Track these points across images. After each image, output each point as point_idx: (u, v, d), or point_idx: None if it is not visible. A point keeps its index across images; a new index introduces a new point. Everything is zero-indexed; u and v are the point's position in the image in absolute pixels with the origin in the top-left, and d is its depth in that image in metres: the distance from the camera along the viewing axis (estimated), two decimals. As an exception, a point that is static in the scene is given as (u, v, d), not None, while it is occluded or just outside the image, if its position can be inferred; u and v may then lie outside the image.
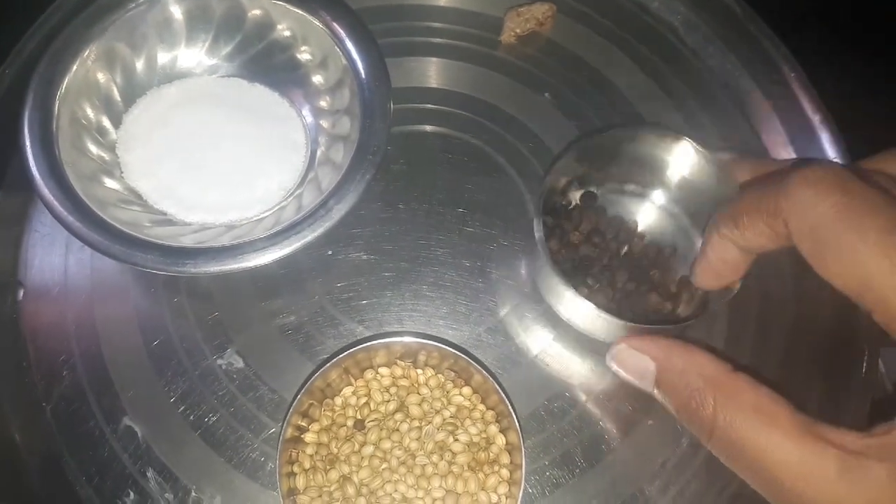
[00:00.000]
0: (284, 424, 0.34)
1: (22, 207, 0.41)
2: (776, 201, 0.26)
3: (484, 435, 0.36)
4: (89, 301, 0.39)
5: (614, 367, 0.31)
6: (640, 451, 0.37)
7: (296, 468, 0.35)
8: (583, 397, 0.38)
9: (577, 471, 0.37)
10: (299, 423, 0.36)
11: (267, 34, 0.42)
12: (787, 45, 0.45)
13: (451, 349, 0.35)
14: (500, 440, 0.36)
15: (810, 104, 0.44)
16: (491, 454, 0.35)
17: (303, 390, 0.35)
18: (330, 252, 0.41)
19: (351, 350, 0.35)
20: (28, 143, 0.36)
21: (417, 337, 0.36)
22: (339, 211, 0.36)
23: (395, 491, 0.35)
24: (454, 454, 0.35)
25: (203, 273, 0.35)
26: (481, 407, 0.37)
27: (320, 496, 0.34)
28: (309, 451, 0.36)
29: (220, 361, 0.38)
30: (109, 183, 0.39)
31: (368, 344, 0.35)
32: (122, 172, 0.40)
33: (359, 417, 0.36)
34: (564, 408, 0.38)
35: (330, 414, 0.36)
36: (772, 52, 0.46)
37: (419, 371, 0.37)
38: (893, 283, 0.23)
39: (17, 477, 0.36)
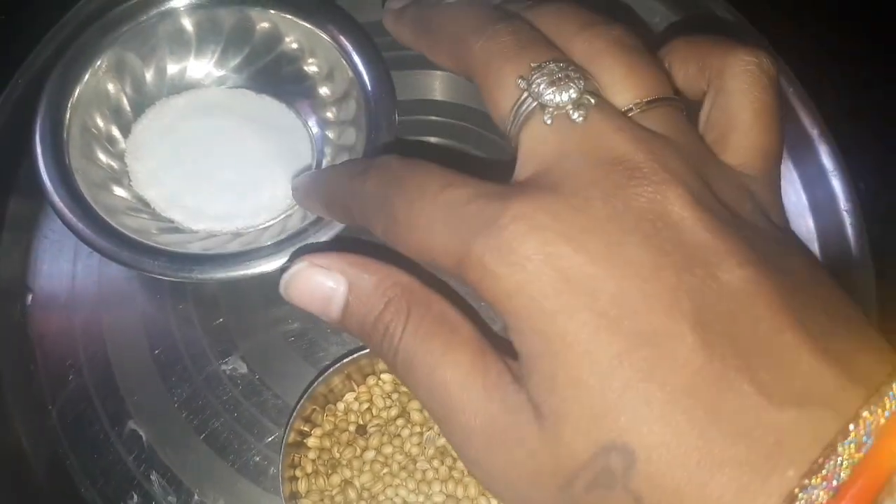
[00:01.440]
0: (287, 429, 0.35)
1: (32, 214, 0.41)
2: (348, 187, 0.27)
3: None
4: (96, 307, 0.40)
5: (290, 294, 0.26)
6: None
7: (298, 472, 0.36)
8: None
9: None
10: (302, 427, 0.36)
11: (275, 46, 0.43)
12: (784, 58, 0.46)
13: None
14: None
15: (808, 119, 0.45)
16: None
17: (305, 396, 0.35)
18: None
19: (354, 356, 0.36)
20: (39, 150, 0.37)
21: None
22: (343, 219, 0.37)
23: (396, 495, 0.35)
24: (455, 459, 0.36)
25: (210, 279, 0.35)
26: None
27: (322, 500, 0.35)
28: (311, 455, 0.36)
29: (224, 367, 0.39)
30: (118, 191, 0.39)
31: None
32: (130, 181, 0.40)
33: (361, 423, 0.37)
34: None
35: (332, 419, 0.37)
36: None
37: None
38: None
39: (23, 478, 0.36)
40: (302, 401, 0.35)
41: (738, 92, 0.23)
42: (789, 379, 0.18)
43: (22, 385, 0.38)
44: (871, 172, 0.46)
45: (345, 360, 0.35)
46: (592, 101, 0.22)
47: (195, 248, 0.37)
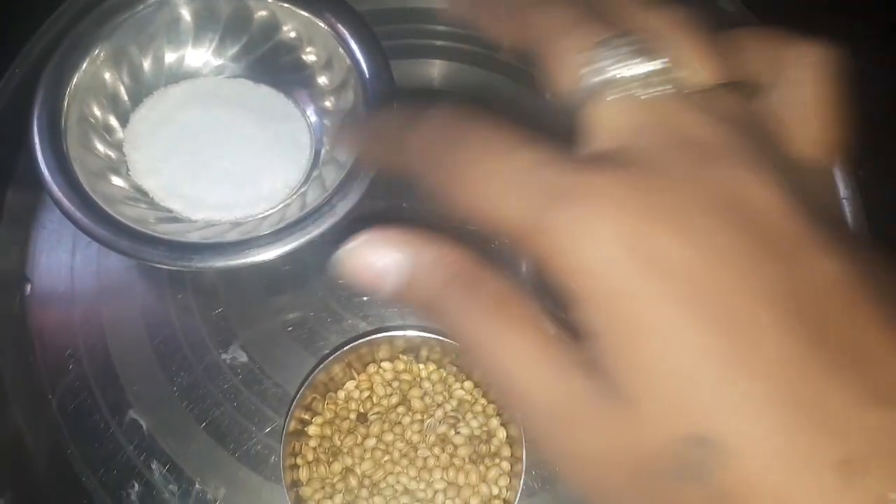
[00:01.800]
0: (288, 418, 0.35)
1: (30, 204, 0.41)
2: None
3: (485, 428, 0.36)
4: (95, 296, 0.40)
5: (347, 267, 0.24)
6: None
7: (299, 460, 0.36)
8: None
9: (577, 465, 0.37)
10: (302, 416, 0.36)
11: (273, 35, 0.42)
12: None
13: (453, 342, 0.36)
14: (502, 433, 0.36)
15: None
16: (492, 447, 0.36)
17: (306, 384, 0.35)
18: (334, 250, 0.41)
19: (354, 344, 0.36)
20: (37, 139, 0.36)
21: (420, 331, 0.36)
22: (342, 208, 0.37)
23: (398, 483, 0.35)
24: (455, 447, 0.36)
25: (208, 267, 0.35)
26: (483, 401, 0.37)
27: (323, 488, 0.35)
28: (312, 443, 0.36)
29: (224, 356, 0.39)
30: (116, 180, 0.39)
31: (371, 338, 0.36)
32: (128, 170, 0.40)
33: (361, 411, 0.37)
34: (564, 403, 0.38)
35: (333, 407, 0.37)
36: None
37: (421, 366, 0.38)
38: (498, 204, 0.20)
39: (24, 468, 0.36)
40: (302, 389, 0.35)
41: (804, 83, 0.22)
42: (891, 377, 0.17)
43: (22, 375, 0.38)
44: (870, 160, 0.46)
45: (345, 349, 0.35)
46: (669, 76, 0.20)
47: (194, 237, 0.37)
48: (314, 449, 0.36)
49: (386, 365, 0.38)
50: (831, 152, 0.23)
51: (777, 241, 0.18)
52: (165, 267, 0.36)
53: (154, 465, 0.37)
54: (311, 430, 0.36)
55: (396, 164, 0.24)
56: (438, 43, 0.47)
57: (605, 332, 0.19)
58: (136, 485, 0.36)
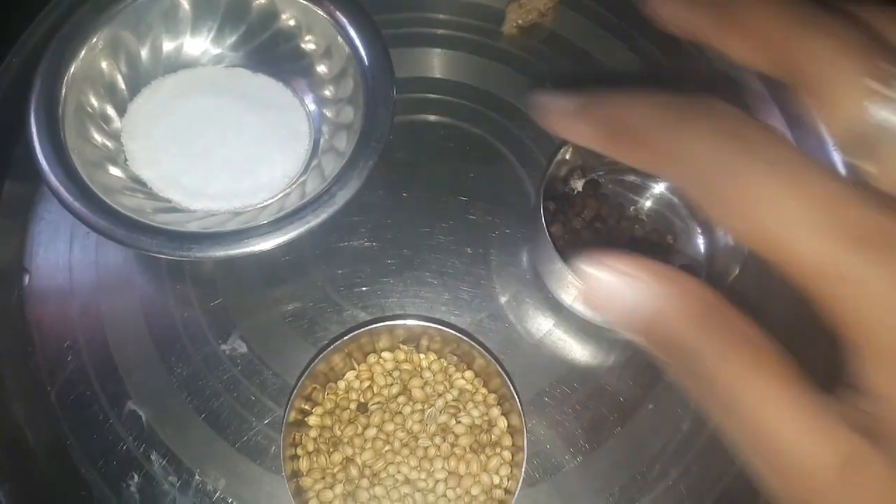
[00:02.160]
0: (288, 408, 0.34)
1: (28, 195, 0.41)
2: (663, 139, 0.20)
3: (486, 417, 0.36)
4: (94, 287, 0.40)
5: (593, 301, 0.21)
6: (640, 434, 0.38)
7: (299, 451, 0.35)
8: (584, 382, 0.39)
9: (579, 454, 0.37)
10: (303, 406, 0.36)
11: (271, 24, 0.42)
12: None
13: (453, 332, 0.36)
14: (502, 423, 0.36)
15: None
16: (493, 436, 0.36)
17: (305, 374, 0.35)
18: (333, 240, 0.41)
19: (354, 333, 0.35)
20: (35, 129, 0.36)
21: (420, 320, 0.36)
22: (342, 197, 0.37)
23: (398, 472, 0.35)
24: (456, 436, 0.35)
25: (207, 257, 0.35)
26: (483, 390, 0.37)
27: (323, 478, 0.35)
28: (312, 433, 0.36)
29: (223, 347, 0.39)
30: (114, 171, 0.39)
31: (371, 327, 0.35)
32: (126, 160, 0.40)
33: (362, 401, 0.37)
34: (566, 392, 0.38)
35: (333, 397, 0.37)
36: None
37: (421, 355, 0.38)
38: (793, 238, 0.17)
39: (24, 460, 0.36)
40: (302, 379, 0.35)
41: None
42: None
43: (20, 367, 0.38)
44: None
45: (344, 338, 0.35)
46: None
47: (193, 227, 0.37)
48: (314, 439, 0.36)
49: (386, 355, 0.37)
50: None
51: None
52: (164, 257, 0.36)
53: (154, 457, 0.36)
54: (312, 420, 0.36)
55: (657, 166, 0.20)
56: (438, 31, 0.47)
57: None
58: (136, 476, 0.36)
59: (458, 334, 0.36)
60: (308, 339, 0.39)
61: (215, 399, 0.38)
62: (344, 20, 0.40)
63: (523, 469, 0.34)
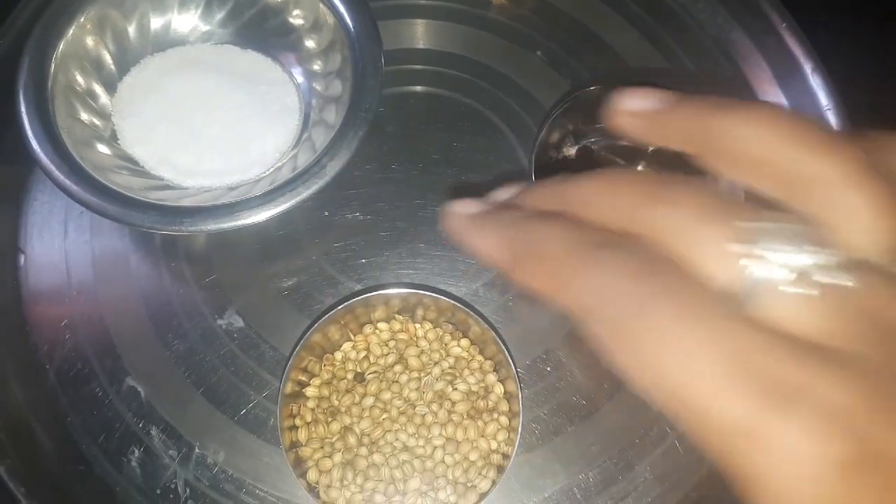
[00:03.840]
0: (284, 379, 0.35)
1: (21, 176, 0.41)
2: (567, 273, 0.19)
3: (482, 384, 0.36)
4: (89, 266, 0.40)
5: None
6: (636, 401, 0.38)
7: (297, 421, 0.36)
8: (580, 348, 0.39)
9: (576, 419, 0.37)
10: (300, 378, 0.36)
11: (258, -1, 0.42)
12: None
13: (448, 300, 0.36)
14: (499, 389, 0.36)
15: (802, 54, 0.44)
16: (490, 402, 0.36)
17: (300, 345, 0.35)
18: (326, 213, 0.41)
19: (348, 303, 0.35)
20: (24, 107, 0.36)
21: (415, 289, 0.36)
22: (332, 168, 0.37)
23: (396, 440, 0.35)
24: (453, 403, 0.36)
25: (200, 230, 0.35)
26: (479, 357, 0.37)
27: (322, 447, 0.35)
28: (310, 404, 0.36)
29: (220, 322, 0.39)
30: (104, 149, 0.39)
31: (366, 296, 0.36)
32: (117, 139, 0.40)
33: (359, 371, 0.37)
34: (562, 359, 0.38)
35: (330, 368, 0.37)
36: (761, 2, 0.45)
37: (417, 325, 0.38)
38: (694, 392, 0.16)
39: (25, 437, 0.36)
40: (297, 350, 0.35)
41: None
42: None
43: (19, 346, 0.38)
44: (866, 106, 0.46)
45: (339, 308, 0.35)
46: (846, 257, 0.17)
47: (187, 203, 0.37)
48: (312, 409, 0.36)
49: (382, 325, 0.38)
50: None
51: None
52: (157, 232, 0.36)
53: (153, 431, 0.37)
54: (309, 391, 0.36)
55: (559, 298, 0.19)
56: (425, 2, 0.47)
57: None
58: (136, 451, 0.36)
59: (453, 302, 0.36)
60: (304, 313, 0.39)
61: (213, 373, 0.38)
62: (330, -8, 0.40)
63: (519, 434, 0.34)
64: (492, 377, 0.36)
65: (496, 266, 0.21)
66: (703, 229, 0.18)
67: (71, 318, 0.38)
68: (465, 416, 0.36)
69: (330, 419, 0.36)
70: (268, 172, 0.39)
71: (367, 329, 0.38)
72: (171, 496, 0.36)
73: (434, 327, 0.38)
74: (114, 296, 0.39)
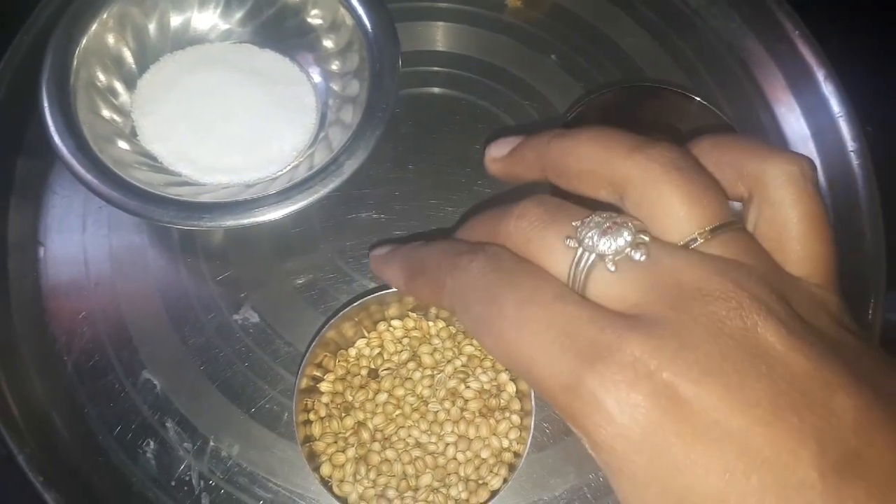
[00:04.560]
0: (299, 375, 0.35)
1: (42, 170, 0.42)
2: (443, 276, 0.25)
3: (495, 382, 0.37)
4: (107, 260, 0.40)
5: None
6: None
7: (312, 416, 0.36)
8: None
9: (587, 418, 0.38)
10: (314, 373, 0.37)
11: (277, -1, 0.43)
12: (791, 3, 0.46)
13: None
14: (511, 388, 0.36)
15: (815, 61, 0.44)
16: (502, 401, 0.36)
17: (316, 341, 0.36)
18: (342, 212, 0.42)
19: (363, 300, 0.36)
20: (46, 102, 0.37)
21: None
22: (349, 167, 0.37)
23: (409, 436, 0.35)
24: (466, 401, 0.36)
25: (218, 226, 0.36)
26: (491, 358, 0.37)
27: (336, 442, 0.35)
28: (324, 399, 0.36)
29: (235, 316, 0.39)
30: (124, 145, 0.40)
31: (380, 293, 0.36)
32: (136, 135, 0.40)
33: (372, 367, 0.37)
34: (573, 358, 0.39)
35: (344, 364, 0.37)
36: (775, 10, 0.46)
37: (430, 323, 0.38)
38: (536, 365, 0.21)
39: (43, 428, 0.37)
40: (312, 346, 0.35)
41: (786, 203, 0.23)
42: None
43: (38, 338, 0.38)
44: (879, 115, 0.46)
45: (354, 305, 0.36)
46: (646, 238, 0.21)
47: (205, 199, 0.37)
48: (326, 405, 0.36)
49: (396, 322, 0.38)
50: (829, 265, 0.23)
51: (800, 387, 0.19)
52: (176, 227, 0.36)
53: (168, 424, 0.37)
54: (324, 386, 0.37)
55: (432, 294, 0.25)
56: (442, 5, 0.47)
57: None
58: (152, 442, 0.37)
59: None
60: (318, 309, 0.40)
61: (228, 368, 0.38)
62: (349, -7, 0.41)
63: (531, 433, 0.34)
64: (504, 375, 0.37)
65: (399, 288, 0.28)
66: (542, 232, 0.23)
67: (89, 310, 0.39)
68: (477, 414, 0.36)
69: (344, 414, 0.36)
70: (285, 170, 0.40)
71: (382, 326, 0.38)
72: (186, 488, 0.36)
73: (447, 325, 0.38)
74: (131, 289, 0.40)
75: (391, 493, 0.35)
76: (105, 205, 0.36)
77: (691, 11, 0.48)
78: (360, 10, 0.40)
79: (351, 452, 0.35)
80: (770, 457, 0.18)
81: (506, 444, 0.36)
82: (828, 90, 0.44)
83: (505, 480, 0.35)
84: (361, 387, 0.36)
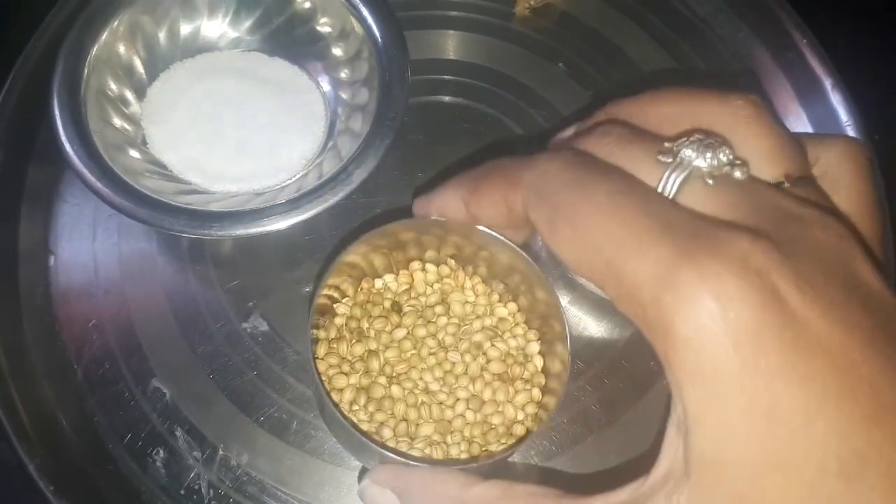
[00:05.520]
0: (316, 294, 0.32)
1: (52, 178, 0.42)
2: (519, 172, 0.24)
3: (523, 351, 0.34)
4: (117, 268, 0.40)
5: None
6: (656, 410, 0.38)
7: (321, 334, 0.33)
8: (600, 357, 0.39)
9: (595, 428, 0.38)
10: (332, 294, 0.34)
11: (286, 7, 0.43)
12: (798, 12, 0.46)
13: (520, 252, 0.31)
14: (538, 361, 0.34)
15: (823, 71, 0.45)
16: (526, 371, 0.34)
17: (342, 254, 0.32)
18: (351, 220, 0.42)
19: (404, 221, 0.32)
20: (57, 110, 0.37)
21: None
22: (359, 176, 0.37)
23: (420, 379, 0.33)
24: (488, 360, 0.33)
25: (227, 235, 0.36)
26: (524, 325, 0.35)
27: (339, 365, 0.33)
28: (338, 321, 0.34)
29: (244, 325, 0.39)
30: (134, 153, 0.40)
31: (421, 220, 0.32)
32: (146, 144, 0.41)
33: (396, 301, 0.35)
34: (581, 367, 0.39)
35: (367, 288, 0.35)
36: (783, 18, 0.46)
37: (467, 277, 0.35)
38: (625, 254, 0.19)
39: (53, 436, 0.37)
40: (337, 261, 0.32)
41: (846, 183, 0.24)
42: None
43: (48, 345, 0.39)
44: (886, 124, 0.46)
45: (395, 223, 0.32)
46: (744, 162, 0.21)
47: (215, 208, 0.38)
48: (339, 327, 0.34)
49: (430, 266, 0.35)
50: (880, 246, 0.24)
51: (887, 314, 0.19)
52: (186, 235, 0.36)
53: (178, 432, 0.37)
54: (340, 308, 0.34)
55: (499, 210, 0.25)
56: (451, 13, 0.47)
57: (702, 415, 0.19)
58: (161, 451, 0.37)
59: (524, 255, 0.31)
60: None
61: (237, 376, 0.38)
62: (358, 2, 0.41)
63: (549, 415, 0.31)
64: (534, 346, 0.34)
65: (456, 210, 0.28)
66: (627, 146, 0.22)
67: (99, 318, 0.39)
68: (496, 378, 0.33)
69: (355, 340, 0.33)
70: (294, 179, 0.40)
71: (415, 265, 0.35)
72: (195, 497, 0.36)
73: (484, 283, 0.35)
74: (140, 298, 0.40)
75: (387, 432, 0.32)
76: (115, 213, 0.36)
77: (699, 20, 0.48)
78: (370, 19, 0.41)
79: (354, 379, 0.32)
80: (867, 377, 0.17)
81: (521, 416, 0.33)
82: (836, 100, 0.44)
83: (510, 451, 0.31)
84: (381, 316, 0.34)
